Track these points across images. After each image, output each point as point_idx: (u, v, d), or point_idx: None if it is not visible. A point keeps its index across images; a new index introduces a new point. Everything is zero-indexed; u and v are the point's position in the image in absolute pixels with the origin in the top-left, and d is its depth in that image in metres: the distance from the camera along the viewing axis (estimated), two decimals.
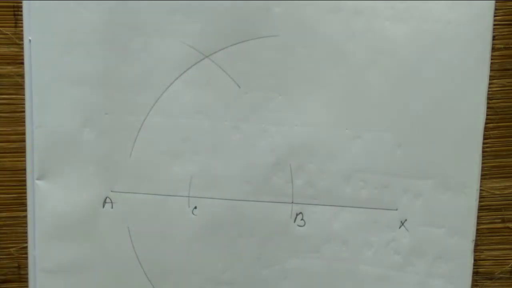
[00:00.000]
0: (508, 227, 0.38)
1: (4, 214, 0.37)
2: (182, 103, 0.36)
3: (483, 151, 0.36)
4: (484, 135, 0.36)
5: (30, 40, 0.35)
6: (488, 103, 0.36)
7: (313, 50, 0.35)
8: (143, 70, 0.36)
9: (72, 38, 0.35)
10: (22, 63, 0.36)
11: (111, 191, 0.37)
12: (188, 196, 0.37)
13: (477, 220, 0.36)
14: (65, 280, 0.37)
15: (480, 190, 0.36)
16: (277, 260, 0.37)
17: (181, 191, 0.37)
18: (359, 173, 0.36)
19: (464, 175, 0.36)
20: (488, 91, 0.35)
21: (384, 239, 0.37)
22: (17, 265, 0.38)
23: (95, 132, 0.36)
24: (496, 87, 0.36)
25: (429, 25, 0.35)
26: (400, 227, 0.37)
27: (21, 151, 0.36)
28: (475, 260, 0.37)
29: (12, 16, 0.35)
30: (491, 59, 0.35)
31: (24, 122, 0.36)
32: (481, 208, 0.37)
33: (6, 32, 0.36)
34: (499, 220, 0.37)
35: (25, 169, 0.36)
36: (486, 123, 0.36)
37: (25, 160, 0.36)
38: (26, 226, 0.37)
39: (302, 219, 0.37)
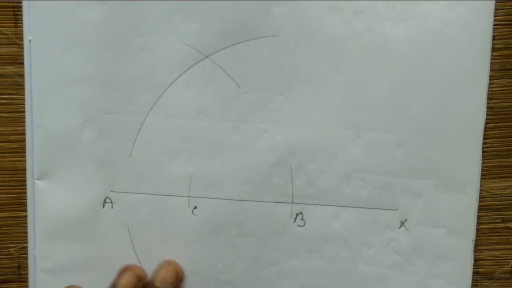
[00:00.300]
0: (508, 227, 0.38)
1: (4, 214, 0.37)
2: (182, 103, 0.36)
3: (483, 151, 0.36)
4: (484, 135, 0.36)
5: (30, 40, 0.35)
6: (488, 103, 0.36)
7: (313, 50, 0.35)
8: (143, 70, 0.36)
9: (72, 38, 0.35)
10: (22, 63, 0.36)
11: (111, 191, 0.37)
12: (188, 196, 0.37)
13: (477, 220, 0.36)
14: (65, 280, 0.37)
15: (480, 190, 0.36)
16: (277, 260, 0.37)
17: (181, 191, 0.37)
18: (359, 173, 0.36)
19: (464, 175, 0.36)
20: (488, 91, 0.35)
21: (384, 239, 0.37)
22: (17, 265, 0.38)
23: (95, 132, 0.36)
24: (496, 87, 0.36)
25: (429, 25, 0.35)
26: (400, 227, 0.37)
27: (21, 151, 0.36)
28: (475, 260, 0.37)
29: (12, 16, 0.35)
30: (491, 59, 0.35)
31: (24, 122, 0.36)
32: (481, 208, 0.37)
33: (6, 32, 0.36)
34: (499, 220, 0.37)
35: (25, 169, 0.36)
36: (486, 123, 0.36)
37: (25, 160, 0.36)
38: (26, 226, 0.37)
39: (302, 219, 0.37)
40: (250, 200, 0.36)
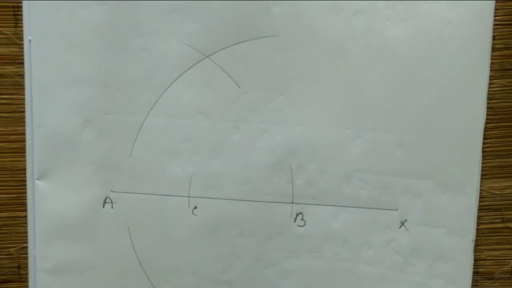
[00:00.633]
0: (508, 227, 0.38)
1: (4, 214, 0.37)
2: (182, 103, 0.36)
3: (483, 151, 0.36)
4: (484, 135, 0.36)
5: (30, 40, 0.35)
6: (488, 103, 0.36)
7: (313, 50, 0.35)
8: (143, 70, 0.36)
9: (72, 38, 0.35)
10: (22, 63, 0.36)
11: (111, 191, 0.37)
12: (188, 196, 0.37)
13: (477, 220, 0.36)
14: (65, 280, 0.37)
15: (480, 190, 0.36)
16: (277, 260, 0.37)
17: (181, 191, 0.37)
18: (359, 173, 0.36)
19: (464, 175, 0.36)
20: (488, 91, 0.35)
21: (384, 239, 0.37)
22: (17, 265, 0.38)
23: (95, 132, 0.36)
24: (496, 87, 0.36)
25: (429, 25, 0.35)
26: (400, 227, 0.37)
27: (21, 151, 0.36)
28: (475, 260, 0.37)
29: (12, 16, 0.35)
30: (491, 59, 0.35)
31: (24, 122, 0.36)
32: (481, 208, 0.37)
33: (6, 32, 0.36)
34: (499, 220, 0.37)
35: (25, 169, 0.36)
36: (486, 123, 0.36)
37: (25, 160, 0.36)
38: (26, 226, 0.37)
39: (302, 219, 0.37)
40: (250, 200, 0.36)
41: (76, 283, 0.37)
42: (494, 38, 0.35)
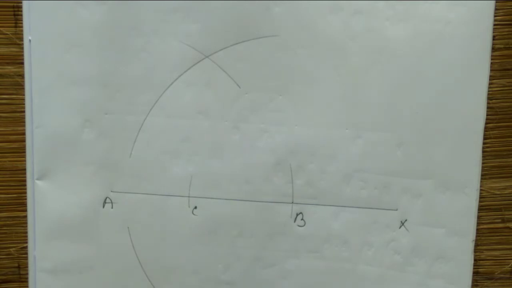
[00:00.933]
0: (508, 227, 0.38)
1: (4, 214, 0.37)
2: (182, 103, 0.36)
3: (483, 151, 0.36)
4: (484, 135, 0.36)
5: (30, 40, 0.35)
6: (488, 103, 0.36)
7: (313, 50, 0.35)
8: (143, 70, 0.36)
9: (72, 38, 0.35)
10: (22, 63, 0.36)
11: (111, 191, 0.37)
12: (188, 196, 0.37)
13: (477, 220, 0.36)
14: (65, 280, 0.37)
15: (480, 190, 0.36)
16: (276, 260, 0.37)
17: (181, 191, 0.37)
18: (359, 173, 0.36)
19: (464, 175, 0.36)
20: (488, 91, 0.35)
21: (384, 239, 0.37)
22: (17, 265, 0.38)
23: (95, 132, 0.36)
24: (496, 87, 0.36)
25: (429, 25, 0.35)
26: (400, 227, 0.37)
27: (21, 151, 0.36)
28: (475, 260, 0.37)
29: (12, 16, 0.35)
30: (491, 59, 0.35)
31: (24, 122, 0.36)
32: (481, 208, 0.37)
33: (6, 32, 0.36)
34: (499, 220, 0.37)
35: (25, 169, 0.36)
36: (486, 123, 0.36)
37: (25, 160, 0.36)
38: (26, 226, 0.37)
39: (302, 219, 0.37)
40: (250, 200, 0.36)
41: (76, 283, 0.37)
42: (494, 38, 0.35)
